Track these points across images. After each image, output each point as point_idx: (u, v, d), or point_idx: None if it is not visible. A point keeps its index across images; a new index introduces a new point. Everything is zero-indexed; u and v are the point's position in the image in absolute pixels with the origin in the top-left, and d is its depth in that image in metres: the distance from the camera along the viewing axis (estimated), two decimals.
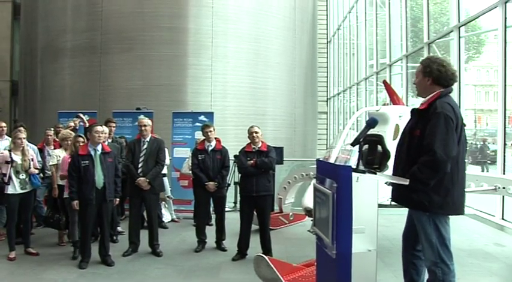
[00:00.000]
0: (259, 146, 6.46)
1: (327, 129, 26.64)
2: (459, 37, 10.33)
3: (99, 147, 5.98)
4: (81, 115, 8.38)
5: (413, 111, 3.85)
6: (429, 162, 3.45)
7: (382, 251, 6.36)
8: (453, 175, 3.58)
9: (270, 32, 14.51)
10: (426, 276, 3.77)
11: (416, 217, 3.71)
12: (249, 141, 6.52)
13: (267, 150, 6.46)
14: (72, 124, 7.86)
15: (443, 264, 3.58)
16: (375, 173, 3.36)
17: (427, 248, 3.64)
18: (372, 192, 3.11)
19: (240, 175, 6.85)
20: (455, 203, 3.64)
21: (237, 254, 6.37)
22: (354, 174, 3.07)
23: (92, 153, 5.93)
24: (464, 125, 3.74)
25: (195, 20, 13.26)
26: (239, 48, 13.76)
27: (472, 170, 10.86)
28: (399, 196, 3.79)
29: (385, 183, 3.70)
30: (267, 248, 6.33)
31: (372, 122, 3.53)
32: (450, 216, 3.72)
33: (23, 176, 6.27)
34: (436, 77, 3.67)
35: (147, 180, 6.53)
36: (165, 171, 8.38)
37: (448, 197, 3.58)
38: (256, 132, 6.45)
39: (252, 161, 6.33)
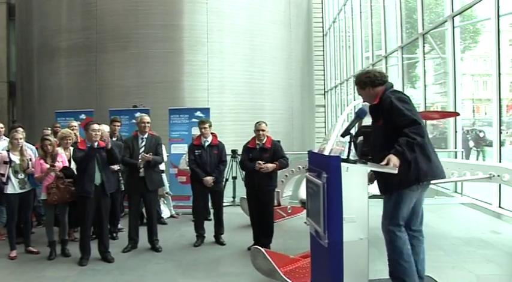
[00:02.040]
0: (263, 142, 6.41)
1: (325, 122, 26.64)
2: (453, 27, 10.36)
3: (96, 145, 6.01)
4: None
5: (371, 108, 4.10)
6: (415, 129, 3.62)
7: (378, 241, 6.35)
8: (429, 144, 3.91)
9: (265, 26, 14.54)
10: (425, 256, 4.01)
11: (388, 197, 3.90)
12: (254, 135, 6.49)
13: (271, 146, 6.40)
14: (74, 123, 7.87)
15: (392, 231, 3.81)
16: (366, 163, 3.40)
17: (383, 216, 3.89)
18: (362, 181, 3.15)
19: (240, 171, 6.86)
20: (438, 167, 3.91)
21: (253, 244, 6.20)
22: (344, 165, 3.11)
23: None
24: (458, 114, 3.91)
25: (189, 17, 13.29)
26: (235, 44, 13.79)
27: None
28: (388, 185, 3.91)
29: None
30: (266, 241, 6.29)
31: (361, 113, 3.58)
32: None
33: (21, 175, 6.31)
34: (370, 82, 3.99)
35: (151, 158, 6.55)
36: (163, 167, 8.44)
37: (432, 164, 3.84)
38: (263, 130, 6.39)
39: (272, 164, 6.27)
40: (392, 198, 3.81)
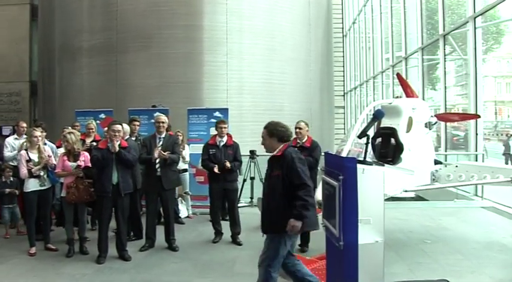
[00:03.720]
0: (303, 140, 6.50)
1: (344, 123, 26.52)
2: (474, 28, 10.22)
3: (116, 144, 6.06)
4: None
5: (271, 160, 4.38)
6: (308, 192, 3.91)
7: (397, 244, 6.37)
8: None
9: (284, 27, 14.49)
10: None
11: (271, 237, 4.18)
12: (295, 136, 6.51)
13: (310, 146, 6.47)
14: (92, 126, 7.91)
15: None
16: (383, 165, 3.37)
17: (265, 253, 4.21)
18: (378, 183, 3.12)
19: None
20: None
21: None
22: (360, 166, 3.08)
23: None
24: (479, 117, 3.86)
25: (209, 17, 13.32)
26: (254, 44, 13.77)
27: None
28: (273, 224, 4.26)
29: None
30: (305, 240, 6.38)
31: (378, 114, 3.55)
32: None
33: (41, 173, 6.39)
34: (281, 137, 4.24)
35: (167, 156, 6.56)
36: (186, 166, 8.51)
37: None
38: (300, 128, 6.50)
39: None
40: (274, 241, 4.13)
